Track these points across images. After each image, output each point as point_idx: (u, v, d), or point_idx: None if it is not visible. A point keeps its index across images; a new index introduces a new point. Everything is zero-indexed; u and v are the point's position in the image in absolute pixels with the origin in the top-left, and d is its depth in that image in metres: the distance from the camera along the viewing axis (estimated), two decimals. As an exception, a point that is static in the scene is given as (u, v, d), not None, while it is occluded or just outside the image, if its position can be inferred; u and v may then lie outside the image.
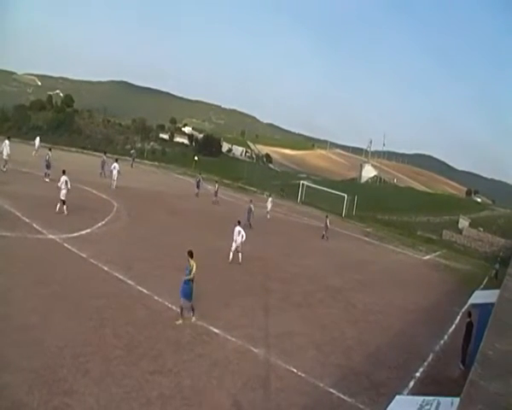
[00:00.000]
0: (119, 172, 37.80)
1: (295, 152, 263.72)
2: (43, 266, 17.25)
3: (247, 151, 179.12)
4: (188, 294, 14.79)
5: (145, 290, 16.99)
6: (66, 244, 20.29)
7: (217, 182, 46.34)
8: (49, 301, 14.48)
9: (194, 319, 15.29)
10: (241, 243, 23.79)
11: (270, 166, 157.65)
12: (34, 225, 21.95)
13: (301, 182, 70.34)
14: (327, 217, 39.39)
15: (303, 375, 13.30)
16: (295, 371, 13.45)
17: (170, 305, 16.11)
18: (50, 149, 37.69)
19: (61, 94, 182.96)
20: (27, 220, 22.53)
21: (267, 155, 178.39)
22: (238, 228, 24.04)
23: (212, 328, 15.10)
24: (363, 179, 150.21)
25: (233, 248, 23.87)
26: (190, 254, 14.76)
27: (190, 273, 14.59)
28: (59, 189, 25.51)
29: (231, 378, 12.26)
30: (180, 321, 14.96)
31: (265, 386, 12.30)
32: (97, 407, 9.75)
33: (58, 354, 11.41)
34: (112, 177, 37.76)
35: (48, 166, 35.21)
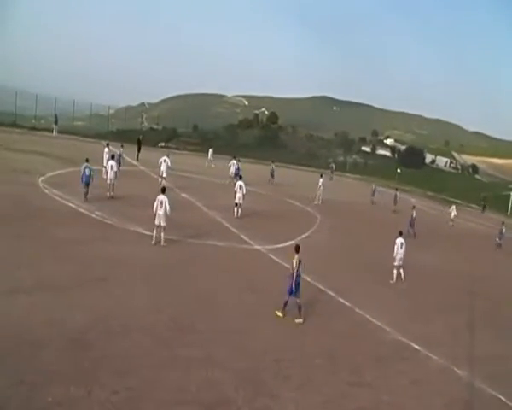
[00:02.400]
0: (323, 184, 38.75)
1: (505, 161, 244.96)
2: (248, 275, 18.33)
3: (451, 162, 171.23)
4: (289, 289, 14.63)
5: (346, 302, 17.14)
6: (270, 255, 21.29)
7: (397, 189, 45.57)
8: (253, 308, 15.36)
9: (300, 320, 14.74)
10: (402, 257, 21.16)
11: (477, 176, 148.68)
12: (242, 236, 23.40)
13: (511, 193, 65.55)
14: (503, 223, 36.68)
15: (511, 404, 12.28)
16: (503, 399, 12.43)
17: (371, 318, 16.08)
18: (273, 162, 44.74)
19: (266, 112, 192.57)
20: (235, 231, 24.12)
21: (473, 166, 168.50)
22: (400, 240, 21.34)
23: (413, 344, 14.73)
24: None
25: (396, 263, 21.23)
26: (296, 249, 14.84)
27: (292, 269, 14.63)
28: (235, 192, 27.23)
29: (431, 398, 11.84)
30: (280, 314, 14.78)
31: (469, 411, 11.67)
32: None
33: (261, 358, 12.04)
34: (317, 190, 38.65)
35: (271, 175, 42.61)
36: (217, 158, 50.43)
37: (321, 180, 38.99)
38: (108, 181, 26.45)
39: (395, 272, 21.36)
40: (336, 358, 12.92)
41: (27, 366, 9.54)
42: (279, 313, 14.89)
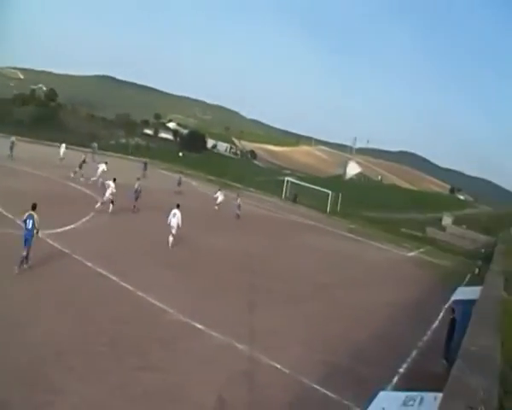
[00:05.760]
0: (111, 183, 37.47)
1: (280, 148, 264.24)
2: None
3: (231, 147, 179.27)
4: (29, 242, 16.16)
5: (129, 286, 16.93)
6: (49, 240, 20.12)
7: (182, 172, 48.89)
8: (32, 299, 14.35)
9: (16, 270, 15.85)
10: (175, 226, 23.57)
11: (255, 162, 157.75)
12: (18, 222, 21.79)
13: (286, 178, 70.53)
14: (238, 196, 41.12)
15: (287, 371, 13.27)
16: (280, 367, 13.41)
17: (154, 301, 16.07)
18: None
19: (44, 88, 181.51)
20: (11, 216, 22.31)
21: (252, 152, 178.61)
22: (174, 211, 23.89)
23: (196, 324, 15.03)
24: (348, 176, 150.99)
25: (173, 231, 23.65)
26: (32, 207, 16.30)
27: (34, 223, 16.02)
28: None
29: (216, 375, 12.20)
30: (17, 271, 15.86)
31: (250, 382, 12.28)
32: (81, 405, 9.67)
33: (41, 351, 11.30)
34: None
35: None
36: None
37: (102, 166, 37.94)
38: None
39: (171, 238, 23.60)
40: (121, 344, 12.66)
41: None
42: (16, 270, 15.81)
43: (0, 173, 32.43)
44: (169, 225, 23.58)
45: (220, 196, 42.17)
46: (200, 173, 68.74)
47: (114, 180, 29.19)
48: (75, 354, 11.55)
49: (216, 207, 41.40)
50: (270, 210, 49.93)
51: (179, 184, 45.15)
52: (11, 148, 41.25)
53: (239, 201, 39.82)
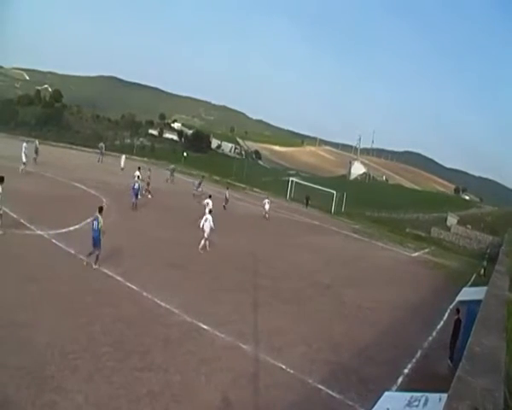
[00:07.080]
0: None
1: (284, 149, 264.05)
2: (28, 262, 17.06)
3: (236, 147, 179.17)
4: (93, 242, 17.92)
5: (134, 287, 16.93)
6: (54, 240, 20.19)
7: (203, 177, 49.00)
8: (35, 298, 14.34)
9: (96, 266, 18.02)
10: (207, 230, 24.34)
11: (260, 162, 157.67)
12: (22, 221, 21.86)
13: (290, 179, 70.52)
14: (227, 189, 42.34)
15: (292, 371, 13.27)
16: (284, 367, 13.41)
17: (160, 301, 16.07)
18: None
19: (50, 89, 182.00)
20: (15, 216, 22.36)
21: (256, 152, 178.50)
22: (206, 215, 24.72)
23: (201, 324, 15.04)
24: (353, 176, 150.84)
25: (205, 235, 24.40)
26: (99, 210, 18.22)
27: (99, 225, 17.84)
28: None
29: (220, 375, 12.21)
30: (85, 262, 18.03)
31: (254, 383, 12.27)
32: (86, 405, 9.67)
33: (45, 352, 11.30)
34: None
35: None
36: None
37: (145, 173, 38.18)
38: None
39: (202, 242, 24.28)
40: (125, 344, 12.65)
41: None
42: (84, 262, 18.01)
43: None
44: (201, 229, 24.42)
45: (267, 205, 41.85)
46: (204, 174, 68.77)
47: (210, 197, 31.01)
48: (80, 354, 11.56)
49: (266, 216, 41.55)
50: (274, 210, 49.93)
51: (199, 186, 44.97)
52: (36, 151, 41.22)
53: (227, 194, 40.99)
